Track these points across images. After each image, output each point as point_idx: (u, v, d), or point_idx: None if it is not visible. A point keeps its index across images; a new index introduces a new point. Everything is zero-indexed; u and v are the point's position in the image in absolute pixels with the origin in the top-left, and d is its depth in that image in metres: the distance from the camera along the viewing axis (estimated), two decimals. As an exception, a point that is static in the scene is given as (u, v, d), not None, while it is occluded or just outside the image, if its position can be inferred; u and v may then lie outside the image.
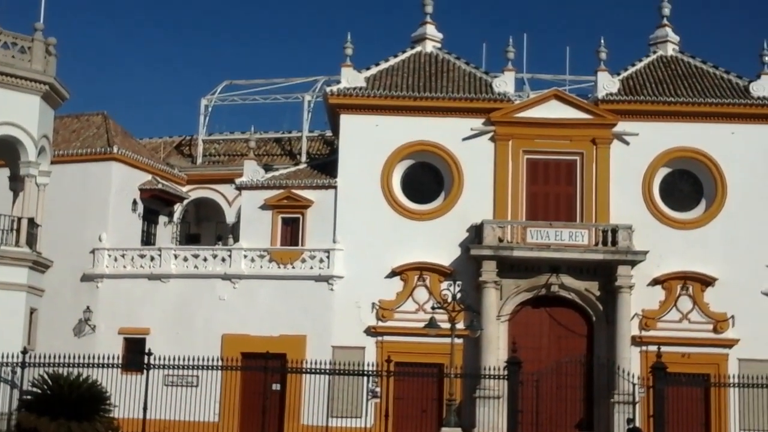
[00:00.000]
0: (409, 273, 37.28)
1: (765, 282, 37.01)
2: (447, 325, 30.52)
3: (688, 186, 38.52)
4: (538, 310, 37.42)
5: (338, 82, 39.25)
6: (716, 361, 36.09)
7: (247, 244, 38.13)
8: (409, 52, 41.19)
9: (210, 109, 47.44)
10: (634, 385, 32.73)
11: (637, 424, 32.24)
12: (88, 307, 37.85)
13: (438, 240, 37.36)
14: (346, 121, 38.71)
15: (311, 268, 37.55)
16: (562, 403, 35.47)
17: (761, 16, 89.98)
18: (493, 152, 38.14)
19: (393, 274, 37.33)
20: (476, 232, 37.07)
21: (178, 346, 33.76)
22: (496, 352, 35.60)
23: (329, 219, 37.98)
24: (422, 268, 37.22)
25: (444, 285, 35.28)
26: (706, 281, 36.97)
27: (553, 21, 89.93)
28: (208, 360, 30.66)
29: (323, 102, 40.82)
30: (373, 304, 37.03)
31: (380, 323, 36.95)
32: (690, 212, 38.13)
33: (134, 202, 40.43)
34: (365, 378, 32.51)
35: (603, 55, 39.28)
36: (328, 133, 45.25)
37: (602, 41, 39.53)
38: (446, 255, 37.33)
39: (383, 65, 40.33)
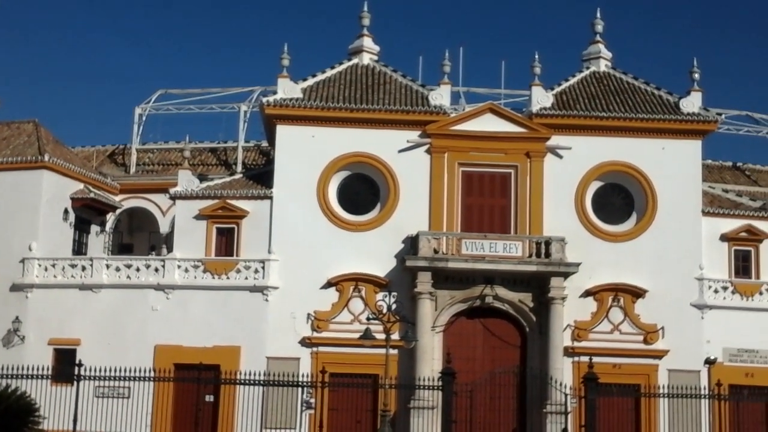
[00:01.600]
0: (344, 284, 37.29)
1: (694, 294, 37.76)
2: (382, 336, 30.60)
3: (619, 199, 39.17)
4: (472, 321, 37.70)
5: (275, 92, 39.20)
6: (646, 372, 36.69)
7: (181, 254, 37.79)
8: (346, 64, 41.29)
9: (144, 118, 47.00)
10: (566, 395, 33.08)
11: None
12: (17, 318, 37.13)
13: (374, 251, 37.45)
14: (282, 131, 38.64)
15: (246, 278, 37.35)
16: (495, 414, 35.69)
17: (692, 34, 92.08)
18: (428, 164, 38.39)
19: (328, 284, 37.31)
20: (412, 244, 37.24)
21: (110, 357, 33.23)
22: (430, 363, 35.76)
23: (264, 229, 37.84)
24: (358, 279, 37.27)
25: (379, 296, 35.42)
26: (637, 293, 37.60)
27: (488, 35, 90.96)
28: (140, 371, 30.19)
29: (259, 112, 40.72)
30: (309, 314, 36.96)
31: (315, 334, 36.88)
32: (621, 225, 38.76)
33: (65, 211, 39.80)
34: (300, 389, 32.33)
35: (537, 70, 39.80)
36: (264, 144, 45.11)
37: (536, 56, 40.14)
38: (382, 266, 37.43)
39: (320, 76, 40.35)
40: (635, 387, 35.32)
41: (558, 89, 40.41)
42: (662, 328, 37.33)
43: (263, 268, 37.35)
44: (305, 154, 38.25)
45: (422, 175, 38.25)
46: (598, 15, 42.05)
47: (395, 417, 34.33)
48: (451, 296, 37.16)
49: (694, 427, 34.54)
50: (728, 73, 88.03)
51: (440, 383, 30.61)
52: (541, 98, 39.31)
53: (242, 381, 31.14)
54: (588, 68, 41.97)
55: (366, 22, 41.49)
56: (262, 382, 31.19)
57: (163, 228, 44.09)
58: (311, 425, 34.50)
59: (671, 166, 38.60)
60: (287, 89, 38.94)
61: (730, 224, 38.68)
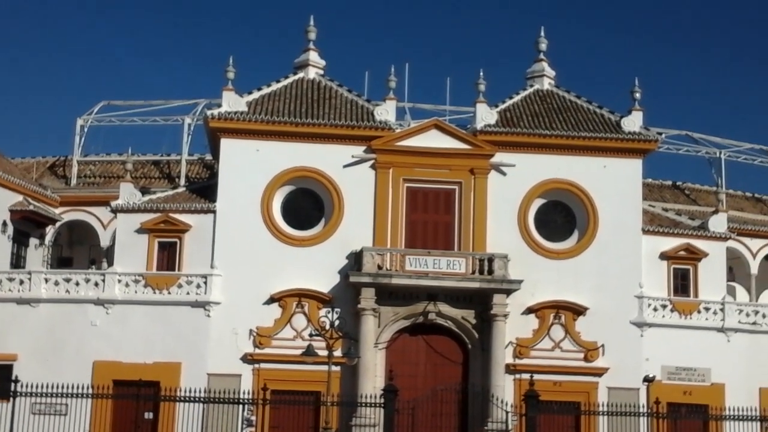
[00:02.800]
0: (287, 299, 37.08)
1: (633, 312, 38.20)
2: (325, 353, 30.45)
3: (561, 217, 39.52)
4: (415, 337, 37.72)
5: (219, 105, 38.91)
6: (586, 389, 37.00)
7: (122, 268, 37.31)
8: (292, 78, 41.17)
9: (86, 129, 46.38)
10: (507, 412, 33.20)
11: None
12: (-48, 332, 36.31)
13: (317, 267, 37.31)
14: (226, 145, 38.38)
15: (188, 293, 36.99)
16: (437, 431, 35.68)
17: (634, 54, 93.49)
18: (373, 180, 38.39)
19: (271, 300, 37.08)
20: (356, 259, 37.17)
21: (48, 373, 32.71)
22: (373, 380, 35.68)
23: (207, 244, 37.50)
24: (301, 295, 37.08)
25: (322, 312, 35.32)
26: (578, 310, 37.93)
27: (434, 52, 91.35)
28: (78, 388, 29.69)
29: (204, 125, 40.39)
30: (251, 330, 36.68)
31: (257, 350, 36.59)
32: (563, 243, 39.10)
33: (4, 224, 39.13)
34: (241, 406, 32.03)
35: (482, 87, 40.07)
36: (208, 157, 44.76)
37: (481, 73, 40.41)
38: (325, 282, 37.30)
39: (265, 90, 40.17)
40: (575, 404, 35.62)
41: (502, 107, 40.70)
42: (602, 345, 37.67)
43: (205, 283, 37.01)
44: (249, 168, 38.01)
45: (367, 191, 38.23)
46: (542, 34, 42.51)
47: (337, 434, 34.17)
48: (394, 313, 37.15)
49: (632, 444, 34.84)
50: (668, 93, 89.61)
51: (382, 400, 30.58)
52: (486, 115, 39.55)
53: (182, 398, 30.68)
54: (532, 86, 42.35)
55: (312, 36, 41.44)
56: (202, 399, 30.84)
57: (104, 241, 43.47)
58: (252, 443, 34.14)
59: (612, 184, 39.06)
60: (232, 102, 38.70)
61: (670, 243, 39.22)
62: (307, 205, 38.75)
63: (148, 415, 34.07)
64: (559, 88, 42.49)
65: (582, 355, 37.67)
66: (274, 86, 40.56)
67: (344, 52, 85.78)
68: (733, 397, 36.28)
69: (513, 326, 37.21)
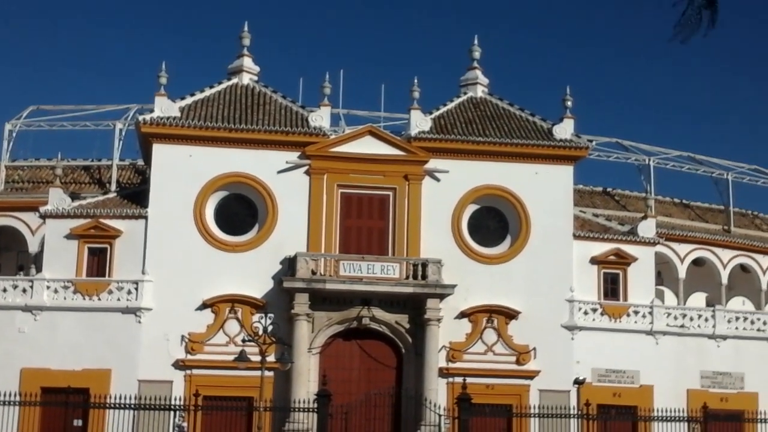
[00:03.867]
0: (220, 305, 36.86)
1: (564, 315, 38.71)
2: (257, 358, 30.28)
3: (494, 222, 39.89)
4: (349, 342, 37.74)
5: (151, 110, 38.55)
6: (518, 392, 37.36)
7: (51, 274, 36.73)
8: (226, 84, 40.98)
9: (15, 134, 45.52)
10: (440, 416, 33.37)
11: None
12: None
13: (251, 272, 37.15)
14: (158, 150, 38.06)
15: (118, 299, 36.57)
16: (371, 436, 35.75)
17: (565, 63, 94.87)
18: (308, 186, 38.37)
19: (204, 306, 36.82)
20: (289, 265, 37.09)
21: (-27, 381, 31.99)
22: (306, 385, 35.61)
23: (139, 250, 37.12)
24: (234, 301, 36.89)
25: (255, 317, 35.23)
26: (510, 314, 38.30)
27: (369, 59, 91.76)
28: (5, 395, 29.10)
29: (135, 130, 39.98)
30: (183, 336, 36.39)
31: (189, 356, 36.29)
32: (496, 248, 39.47)
33: (-72, 229, 38.16)
34: (172, 413, 31.70)
35: (416, 94, 40.32)
36: (140, 162, 44.28)
37: (416, 80, 40.64)
38: (259, 287, 37.15)
39: (198, 96, 39.93)
40: (508, 407, 35.96)
41: (436, 113, 40.98)
42: (534, 349, 38.09)
43: (136, 289, 36.62)
44: (182, 173, 37.74)
45: (301, 197, 38.19)
46: (476, 42, 42.94)
47: (270, 440, 34.00)
48: (328, 318, 37.14)
49: (562, 445, 35.26)
50: (599, 101, 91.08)
51: (315, 405, 30.54)
52: (420, 122, 39.79)
53: (112, 405, 30.31)
54: (466, 93, 42.73)
55: (246, 42, 41.30)
56: (132, 405, 30.47)
57: (32, 247, 42.63)
58: (184, 449, 33.77)
59: (544, 190, 39.56)
60: (164, 108, 38.38)
61: (600, 248, 39.84)
62: (241, 211, 38.57)
63: (77, 423, 33.55)
64: (492, 95, 42.93)
65: (514, 359, 38.03)
66: (208, 92, 40.33)
67: (279, 58, 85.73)
68: (662, 398, 36.92)
69: (446, 330, 37.44)
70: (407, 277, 37.17)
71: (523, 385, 37.65)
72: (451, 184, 39.09)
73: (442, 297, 37.22)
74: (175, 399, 32.50)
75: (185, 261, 37.00)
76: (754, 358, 40.84)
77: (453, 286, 37.28)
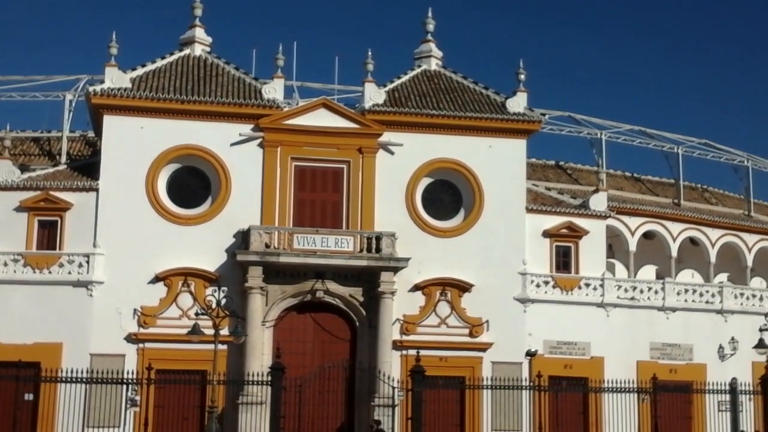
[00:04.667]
0: (173, 279, 36.62)
1: (517, 288, 39.03)
2: (211, 332, 30.19)
3: (448, 196, 40.02)
4: (303, 315, 37.75)
5: (102, 81, 38.01)
6: (471, 364, 37.65)
7: (0, 247, 36.17)
8: (177, 55, 40.49)
9: (-39, 105, 44.60)
10: (393, 388, 33.59)
11: (385, 424, 33.06)
12: None
13: (204, 245, 36.94)
14: (109, 122, 37.58)
15: (69, 273, 36.17)
16: (324, 408, 35.85)
17: (518, 36, 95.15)
18: (261, 158, 38.16)
19: (156, 279, 36.57)
20: (243, 238, 36.94)
21: None
22: (260, 358, 35.59)
23: (90, 222, 36.71)
24: (187, 274, 36.67)
25: (209, 291, 35.09)
26: (464, 287, 38.52)
27: (322, 31, 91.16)
28: (-47, 370, 28.77)
29: (86, 102, 39.39)
30: (135, 310, 36.13)
31: (142, 330, 36.07)
32: (450, 221, 39.62)
33: None
34: (124, 386, 31.56)
35: (370, 67, 40.16)
36: (91, 134, 43.67)
37: (369, 53, 40.50)
38: (212, 260, 36.97)
39: (150, 67, 39.43)
40: (461, 379, 36.32)
41: (390, 86, 40.89)
42: (487, 321, 38.37)
43: (88, 262, 36.24)
44: (134, 145, 37.32)
45: (254, 169, 37.98)
46: (430, 14, 42.83)
47: (223, 413, 34.02)
48: (282, 291, 37.09)
49: (515, 417, 35.72)
50: (552, 75, 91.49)
51: (269, 378, 30.57)
52: (374, 95, 39.69)
53: (63, 379, 30.03)
54: (420, 66, 42.67)
55: (198, 12, 40.79)
56: (84, 379, 30.25)
57: (-19, 220, 41.95)
58: (136, 423, 33.65)
59: (497, 164, 39.72)
60: (115, 78, 37.85)
61: (552, 221, 40.17)
62: (194, 184, 38.28)
63: (28, 397, 33.19)
64: (446, 68, 42.92)
65: (467, 331, 38.30)
66: (159, 63, 39.83)
67: (231, 29, 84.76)
68: (612, 370, 37.40)
69: (400, 303, 37.58)
70: (361, 251, 37.19)
71: (476, 358, 37.94)
72: (405, 158, 39.10)
73: (395, 270, 37.31)
74: (128, 373, 32.45)
75: (137, 234, 36.67)
76: (703, 330, 41.54)
77: (407, 260, 37.39)
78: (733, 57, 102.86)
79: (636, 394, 34.21)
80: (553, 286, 39.54)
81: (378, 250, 37.17)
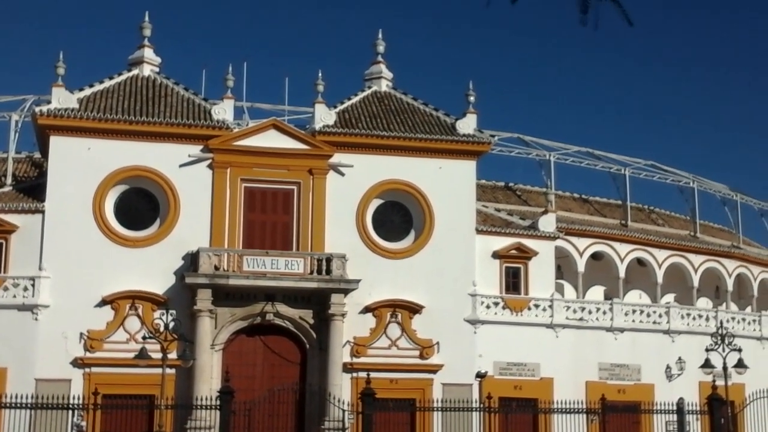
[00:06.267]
0: (120, 302, 36.17)
1: (467, 309, 39.11)
2: (159, 355, 29.79)
3: (398, 217, 40.07)
4: (252, 338, 37.48)
5: (48, 102, 37.54)
6: (422, 386, 37.61)
7: (-58, 270, 35.50)
8: (126, 75, 40.14)
9: None
10: (344, 411, 33.42)
11: None
12: None
13: (152, 268, 36.55)
14: (56, 143, 37.10)
15: (14, 296, 35.58)
16: (274, 432, 35.55)
17: (468, 60, 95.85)
18: (210, 179, 37.91)
19: (103, 302, 36.10)
20: (192, 260, 36.61)
21: None
22: (209, 382, 35.22)
23: (36, 245, 36.16)
24: (135, 297, 36.24)
25: (157, 314, 34.62)
26: (414, 309, 38.52)
27: (273, 51, 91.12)
28: None
29: (32, 122, 38.87)
30: (81, 334, 35.62)
31: (88, 354, 35.54)
32: (400, 242, 39.65)
33: None
34: (70, 412, 31.00)
35: (320, 88, 40.16)
36: (37, 155, 43.06)
37: (320, 74, 40.53)
38: (160, 283, 36.58)
39: (97, 87, 39.03)
40: (411, 401, 36.22)
41: (341, 107, 40.92)
42: (437, 343, 38.39)
43: (33, 285, 35.68)
44: (81, 166, 36.87)
45: (204, 191, 37.71)
46: (380, 36, 42.99)
47: (171, 438, 33.54)
48: (231, 314, 36.78)
49: (466, 438, 35.65)
50: (502, 97, 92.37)
51: (218, 402, 30.23)
52: (324, 116, 39.67)
53: (8, 404, 29.44)
54: (370, 87, 42.75)
55: (147, 32, 40.51)
56: (29, 405, 29.68)
57: (-76, 242, 41.10)
58: (83, 449, 33.07)
59: (447, 185, 39.86)
60: (62, 99, 37.41)
61: (502, 242, 40.38)
62: (142, 205, 37.89)
63: (-29, 424, 32.52)
64: (396, 90, 43.06)
65: (418, 353, 38.28)
66: (107, 83, 39.46)
67: (180, 49, 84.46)
68: (561, 390, 37.61)
69: (350, 325, 37.47)
70: (311, 272, 37.05)
71: (426, 379, 37.92)
72: (355, 179, 39.09)
73: (346, 292, 37.21)
74: (74, 398, 31.76)
75: (84, 256, 36.19)
76: (650, 350, 41.94)
77: (357, 281, 37.31)
78: (680, 79, 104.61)
79: (585, 415, 34.38)
80: (503, 307, 39.70)
81: (328, 272, 37.04)
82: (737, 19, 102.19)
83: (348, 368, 37.13)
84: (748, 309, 48.60)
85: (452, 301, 38.82)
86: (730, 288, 48.52)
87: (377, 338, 38.06)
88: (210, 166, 37.98)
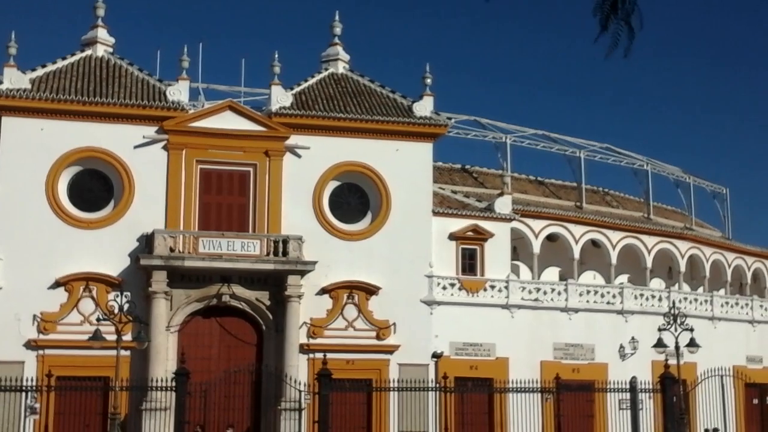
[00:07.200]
0: (74, 283, 35.88)
1: (424, 291, 39.31)
2: (113, 337, 29.64)
3: (355, 199, 40.09)
4: (208, 320, 37.37)
5: (0, 82, 37.00)
6: (378, 367, 37.77)
7: None
8: (79, 56, 39.69)
9: None
10: (300, 392, 33.48)
11: (291, 428, 32.90)
12: None
13: (106, 249, 36.29)
14: (7, 124, 36.62)
15: (-34, 279, 35.12)
16: (230, 413, 35.48)
17: (425, 41, 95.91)
18: (165, 161, 37.64)
19: (57, 284, 35.78)
20: (147, 242, 36.40)
21: None
22: (164, 364, 35.09)
23: (-13, 227, 35.68)
24: (89, 279, 35.95)
25: (111, 296, 34.40)
26: (371, 290, 38.64)
27: (229, 32, 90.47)
28: None
29: (-18, 103, 38.24)
30: (35, 316, 35.29)
31: (41, 336, 35.23)
32: (357, 224, 39.69)
33: None
34: (23, 394, 30.75)
35: (277, 69, 39.98)
36: (-12, 136, 42.42)
37: (276, 56, 40.33)
38: (115, 265, 36.33)
39: (50, 67, 38.56)
40: (367, 381, 36.40)
41: (297, 89, 40.80)
42: (394, 324, 38.55)
43: (-15, 267, 35.25)
44: (33, 147, 36.43)
45: (159, 172, 37.44)
46: (337, 17, 42.87)
47: (126, 419, 33.43)
48: (187, 295, 36.65)
49: (422, 418, 35.90)
50: (458, 79, 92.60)
51: (173, 384, 30.17)
52: (281, 97, 39.53)
53: (-41, 387, 29.16)
54: (327, 69, 42.66)
55: (101, 12, 40.06)
56: (-18, 387, 29.39)
57: None
58: (36, 431, 32.85)
59: (404, 167, 39.94)
60: (14, 79, 36.90)
61: (458, 224, 40.60)
62: (96, 187, 37.55)
63: None
64: (353, 71, 43.00)
65: (374, 334, 38.42)
66: (60, 63, 38.99)
67: (135, 30, 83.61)
68: (517, 370, 37.97)
69: (307, 307, 37.50)
70: (268, 254, 37.00)
71: (383, 360, 38.07)
72: (312, 161, 39.04)
73: (302, 273, 37.22)
74: (27, 380, 31.54)
75: (37, 238, 35.83)
76: (604, 330, 42.41)
77: (314, 263, 37.32)
78: (635, 63, 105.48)
79: (540, 394, 34.78)
80: (459, 289, 39.93)
81: (285, 253, 37.01)
82: (689, 1, 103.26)
83: (305, 349, 37.18)
84: (700, 289, 49.31)
85: (409, 282, 38.97)
86: (683, 269, 49.20)
87: (334, 319, 38.14)
88: (165, 148, 37.72)
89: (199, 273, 36.54)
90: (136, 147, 37.40)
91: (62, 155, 36.72)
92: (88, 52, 39.87)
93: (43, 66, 38.45)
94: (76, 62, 39.31)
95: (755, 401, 43.84)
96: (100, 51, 39.94)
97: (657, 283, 48.84)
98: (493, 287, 40.55)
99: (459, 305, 39.63)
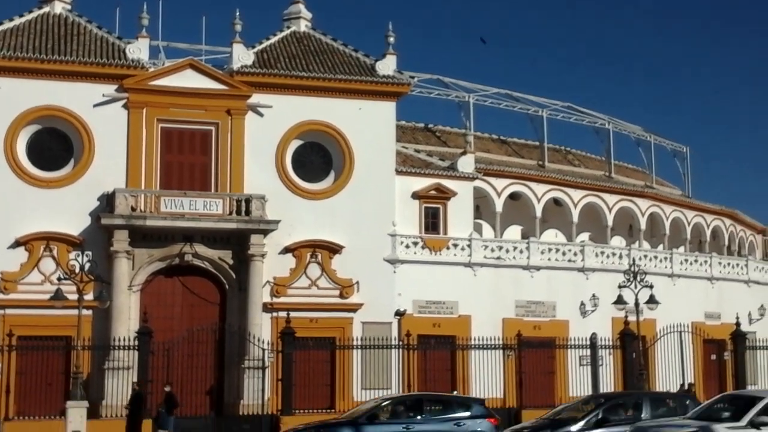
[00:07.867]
0: (34, 243, 35.61)
1: (387, 249, 39.42)
2: (75, 297, 29.52)
3: (318, 158, 39.99)
4: (171, 279, 37.29)
5: (-45, 39, 36.40)
6: (342, 325, 37.93)
7: None
8: (36, 13, 39.07)
9: None
10: (263, 350, 33.58)
11: (254, 386, 32.92)
12: None
13: (67, 209, 36.00)
14: (-37, 81, 36.07)
15: (-76, 239, 34.72)
16: (193, 371, 35.35)
17: (388, 0, 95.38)
18: (126, 120, 37.30)
19: (17, 244, 35.52)
20: (108, 201, 36.15)
21: None
22: (127, 323, 35.01)
23: (-55, 186, 35.25)
24: (49, 238, 35.70)
25: (72, 255, 34.13)
26: (334, 249, 38.69)
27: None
28: None
29: (-63, 60, 37.58)
30: (-6, 276, 35.01)
31: (2, 296, 35.04)
32: (320, 183, 39.64)
33: None
34: (-16, 354, 30.62)
35: (238, 27, 39.62)
36: (-55, 95, 41.73)
37: (237, 13, 39.90)
38: (75, 224, 36.08)
39: (7, 25, 37.95)
40: (331, 340, 36.59)
41: (259, 48, 40.47)
42: (357, 282, 38.67)
43: (-57, 228, 34.86)
44: (-10, 106, 35.92)
45: (119, 131, 37.10)
46: (299, -26, 42.44)
47: (89, 379, 33.34)
48: (149, 255, 36.50)
49: (385, 375, 36.10)
50: (421, 38, 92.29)
51: (136, 343, 30.16)
52: (242, 56, 39.20)
53: None
54: (289, 28, 42.33)
55: (58, -32, 39.38)
56: (-59, 348, 29.22)
57: None
58: (-3, 390, 32.73)
59: (367, 126, 39.87)
60: (-30, 36, 36.32)
61: (421, 183, 40.70)
62: (55, 146, 37.16)
63: None
64: (315, 30, 42.71)
65: (338, 292, 38.54)
66: (17, 21, 38.39)
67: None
68: (479, 327, 38.32)
69: (270, 266, 37.50)
70: (230, 213, 36.90)
71: (346, 318, 38.23)
72: (274, 120, 38.85)
73: (265, 233, 37.17)
74: (-13, 340, 31.41)
75: (-4, 198, 35.43)
76: (565, 288, 42.76)
77: (277, 222, 37.28)
78: (597, 21, 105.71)
79: (502, 351, 35.17)
80: (422, 247, 40.10)
81: (248, 212, 36.93)
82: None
83: (268, 308, 37.23)
84: (660, 247, 49.87)
85: (372, 241, 39.05)
86: (643, 227, 49.73)
87: (297, 278, 38.19)
88: (125, 106, 37.35)
89: (161, 232, 36.37)
90: (95, 105, 37.00)
91: (20, 114, 36.26)
92: (46, 9, 39.25)
93: (0, 23, 37.77)
94: (34, 19, 38.70)
95: (713, 357, 44.56)
96: (58, 8, 39.32)
97: (618, 241, 49.31)
98: (455, 246, 40.74)
99: (422, 264, 39.80)
